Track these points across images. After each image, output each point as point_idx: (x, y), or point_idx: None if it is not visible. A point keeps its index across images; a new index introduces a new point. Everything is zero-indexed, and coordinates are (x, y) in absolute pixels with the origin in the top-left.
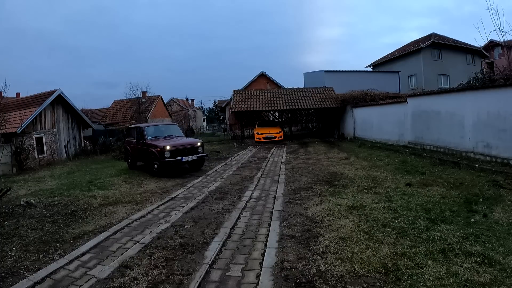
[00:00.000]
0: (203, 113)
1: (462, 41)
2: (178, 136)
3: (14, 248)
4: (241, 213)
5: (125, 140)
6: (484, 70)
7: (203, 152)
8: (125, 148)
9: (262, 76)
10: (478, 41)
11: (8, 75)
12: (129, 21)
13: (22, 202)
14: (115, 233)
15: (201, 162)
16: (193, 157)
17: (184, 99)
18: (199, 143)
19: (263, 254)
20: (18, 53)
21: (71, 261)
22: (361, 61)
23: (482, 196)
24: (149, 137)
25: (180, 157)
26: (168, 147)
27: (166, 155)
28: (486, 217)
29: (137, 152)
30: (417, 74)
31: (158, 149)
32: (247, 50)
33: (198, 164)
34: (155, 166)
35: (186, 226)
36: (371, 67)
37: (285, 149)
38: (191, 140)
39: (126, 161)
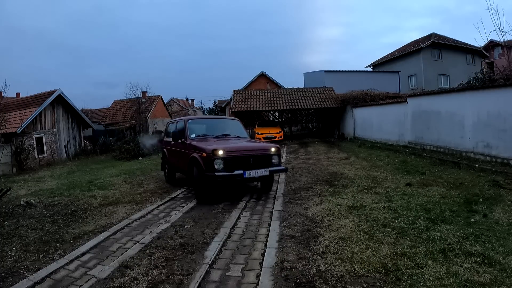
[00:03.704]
0: (203, 113)
1: (462, 41)
2: (239, 137)
3: (14, 248)
4: (241, 213)
5: (162, 140)
6: (484, 70)
7: (279, 164)
8: (162, 152)
9: (262, 76)
10: (478, 41)
11: (8, 75)
12: (129, 21)
13: (22, 202)
14: (115, 233)
15: (272, 180)
16: (264, 172)
17: (184, 99)
18: (273, 149)
19: (263, 254)
20: (18, 53)
21: (71, 261)
22: (361, 61)
23: (482, 196)
24: (192, 136)
25: (241, 171)
26: (220, 152)
27: (216, 165)
28: (486, 217)
29: (175, 157)
30: (417, 74)
31: (204, 154)
32: (247, 50)
33: (268, 182)
34: (196, 182)
35: (186, 226)
36: (371, 67)
37: (285, 149)
38: (259, 144)
39: (162, 170)
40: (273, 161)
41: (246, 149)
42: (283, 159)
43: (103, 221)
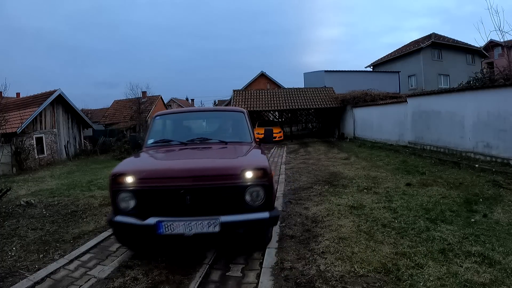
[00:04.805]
0: None
1: (462, 41)
2: (225, 144)
3: (14, 248)
4: None
5: None
6: (484, 70)
7: (265, 205)
8: None
9: (262, 76)
10: (478, 41)
11: (8, 75)
12: (129, 21)
13: (22, 202)
14: None
15: (263, 234)
16: (209, 226)
17: (184, 99)
18: (249, 173)
19: (263, 254)
20: (18, 53)
21: (71, 261)
22: (361, 61)
23: (482, 196)
24: (150, 141)
25: (156, 219)
26: (129, 178)
27: (121, 203)
28: (486, 217)
29: None
30: (417, 74)
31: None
32: (247, 50)
33: (258, 234)
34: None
35: None
36: (371, 67)
37: (285, 149)
38: (220, 162)
39: None
40: (248, 198)
41: (183, 173)
42: (283, 159)
43: (103, 221)
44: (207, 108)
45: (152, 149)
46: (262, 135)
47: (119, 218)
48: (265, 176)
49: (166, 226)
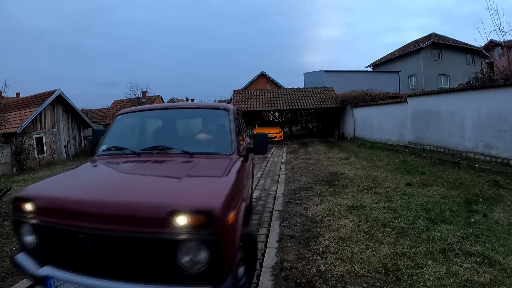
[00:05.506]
0: None
1: (462, 41)
2: (191, 156)
3: (14, 248)
4: None
5: None
6: (484, 70)
7: (217, 276)
8: None
9: (262, 76)
10: (478, 41)
11: (8, 75)
12: (129, 21)
13: None
14: None
15: None
16: None
17: (184, 99)
18: (182, 219)
19: (263, 254)
20: (18, 53)
21: None
22: (361, 61)
23: (482, 196)
24: (102, 148)
25: (45, 274)
26: (29, 205)
27: (23, 237)
28: (486, 217)
29: None
30: (417, 74)
31: None
32: (247, 50)
33: None
34: None
35: None
36: (371, 67)
37: (285, 149)
38: (171, 192)
39: None
40: (181, 260)
41: (82, 207)
42: (283, 159)
43: None
44: (181, 105)
45: (101, 159)
46: None
47: (19, 257)
48: (208, 224)
49: (55, 284)
